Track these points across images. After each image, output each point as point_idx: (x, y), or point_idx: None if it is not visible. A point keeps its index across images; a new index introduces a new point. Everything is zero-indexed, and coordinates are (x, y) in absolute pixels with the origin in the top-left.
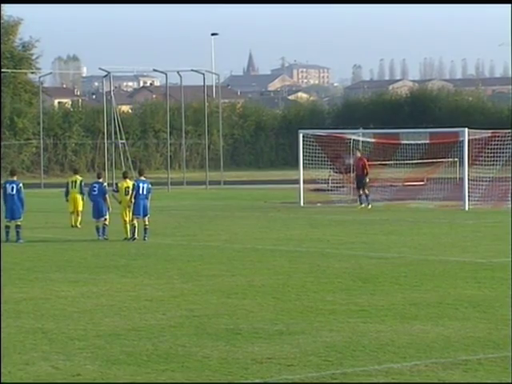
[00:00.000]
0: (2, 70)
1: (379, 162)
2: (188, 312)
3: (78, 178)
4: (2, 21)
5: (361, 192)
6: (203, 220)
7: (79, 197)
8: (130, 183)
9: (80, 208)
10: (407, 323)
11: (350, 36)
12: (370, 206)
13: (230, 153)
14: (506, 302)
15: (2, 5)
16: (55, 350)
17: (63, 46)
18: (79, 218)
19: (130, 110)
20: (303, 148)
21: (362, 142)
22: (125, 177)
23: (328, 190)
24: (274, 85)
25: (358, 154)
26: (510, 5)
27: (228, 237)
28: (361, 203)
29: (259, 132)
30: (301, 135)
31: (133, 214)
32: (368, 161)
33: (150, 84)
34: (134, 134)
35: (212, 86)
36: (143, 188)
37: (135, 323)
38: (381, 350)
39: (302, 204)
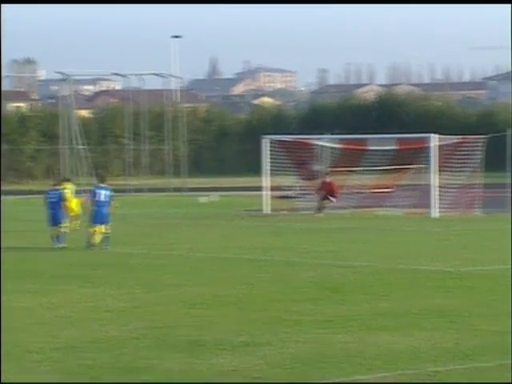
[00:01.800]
0: None
1: (346, 169)
2: (149, 323)
3: (70, 185)
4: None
5: (320, 202)
6: (165, 228)
7: (77, 201)
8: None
9: (79, 211)
10: (375, 334)
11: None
12: (320, 215)
13: (192, 159)
14: (474, 311)
15: (2, 5)
16: (12, 364)
17: (19, 49)
18: (78, 222)
19: (89, 115)
20: (268, 154)
21: (329, 147)
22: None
23: (294, 198)
24: (238, 89)
25: (328, 179)
26: (509, 5)
27: (191, 245)
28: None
29: (223, 137)
30: (265, 141)
31: (92, 222)
32: (334, 167)
33: (110, 88)
34: (94, 139)
35: (174, 89)
36: (103, 195)
37: (95, 335)
38: (348, 361)
39: (266, 212)
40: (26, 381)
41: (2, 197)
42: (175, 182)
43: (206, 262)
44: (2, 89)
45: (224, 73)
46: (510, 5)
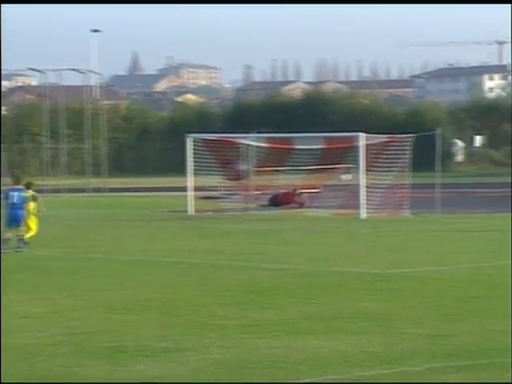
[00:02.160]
0: None
1: (272, 168)
2: (68, 329)
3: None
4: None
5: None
6: (85, 230)
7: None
8: None
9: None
10: (301, 338)
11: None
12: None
13: (113, 158)
14: (402, 314)
15: (3, 5)
16: None
17: None
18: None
19: (4, 112)
20: (192, 153)
21: (255, 146)
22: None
23: (219, 198)
24: (161, 85)
25: (298, 191)
26: (509, 5)
27: (111, 248)
28: None
29: (145, 136)
30: (189, 139)
31: (6, 225)
32: (260, 167)
33: (26, 84)
34: (9, 137)
35: (94, 86)
36: (16, 197)
37: (10, 342)
38: (273, 366)
39: (191, 213)
40: (26, 381)
41: None
42: (95, 182)
43: (128, 265)
44: None
45: (146, 69)
46: (510, 5)
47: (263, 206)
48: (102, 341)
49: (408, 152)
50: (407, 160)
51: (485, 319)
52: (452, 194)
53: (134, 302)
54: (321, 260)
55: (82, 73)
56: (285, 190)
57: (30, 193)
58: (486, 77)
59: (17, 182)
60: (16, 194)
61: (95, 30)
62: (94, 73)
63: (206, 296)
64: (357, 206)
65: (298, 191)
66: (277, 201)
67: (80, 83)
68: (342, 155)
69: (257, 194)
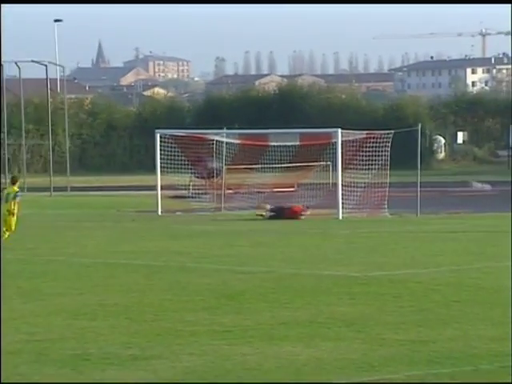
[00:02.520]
0: None
1: (245, 166)
2: (29, 336)
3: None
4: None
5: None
6: (47, 231)
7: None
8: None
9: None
10: (276, 345)
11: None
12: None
13: (77, 155)
14: (381, 319)
15: (2, 5)
16: None
17: None
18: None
19: None
20: (160, 150)
21: (227, 143)
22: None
23: (189, 197)
24: (127, 79)
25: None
26: (509, 5)
27: (75, 250)
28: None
29: (111, 132)
30: (158, 135)
31: None
32: (233, 165)
33: None
34: None
35: (56, 79)
36: None
37: None
38: (247, 374)
39: (159, 213)
40: (26, 381)
41: None
42: (58, 180)
43: (92, 268)
44: None
45: (112, 61)
46: (509, 5)
47: (268, 218)
48: (65, 348)
49: (387, 149)
50: (387, 157)
51: (468, 324)
52: (433, 193)
53: (99, 307)
54: (296, 262)
55: (43, 65)
56: (292, 204)
57: (14, 189)
58: (468, 70)
59: None
60: None
61: (57, 20)
62: (56, 65)
63: (175, 300)
64: (334, 206)
65: (306, 207)
66: (283, 214)
67: (42, 76)
68: (319, 152)
69: (229, 193)
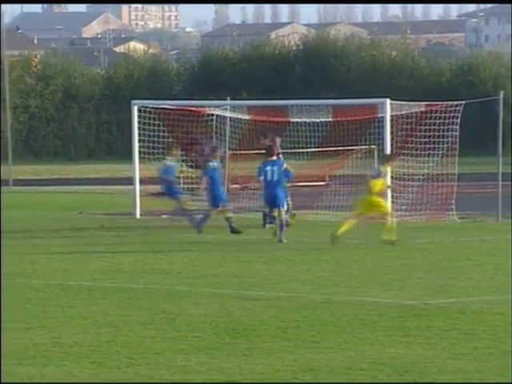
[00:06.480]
0: None
1: (256, 151)
2: None
3: None
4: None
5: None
6: None
7: None
8: None
9: None
10: None
11: None
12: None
13: (23, 136)
14: (448, 366)
15: (2, 5)
16: None
17: None
18: None
19: None
20: (139, 129)
21: (231, 119)
22: None
23: (177, 194)
24: (92, 28)
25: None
26: (509, 5)
27: (21, 268)
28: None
29: (69, 103)
30: (135, 108)
31: None
32: (239, 149)
33: None
34: None
35: None
36: None
37: None
38: None
39: (138, 216)
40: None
41: None
42: None
43: (44, 293)
44: None
45: (70, 5)
46: (509, 5)
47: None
48: None
49: (456, 127)
50: (455, 139)
51: None
52: None
53: (53, 347)
54: (327, 285)
55: None
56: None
57: None
58: None
59: None
60: None
61: None
62: None
63: (159, 338)
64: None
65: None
66: None
67: None
68: (359, 132)
69: (234, 189)
